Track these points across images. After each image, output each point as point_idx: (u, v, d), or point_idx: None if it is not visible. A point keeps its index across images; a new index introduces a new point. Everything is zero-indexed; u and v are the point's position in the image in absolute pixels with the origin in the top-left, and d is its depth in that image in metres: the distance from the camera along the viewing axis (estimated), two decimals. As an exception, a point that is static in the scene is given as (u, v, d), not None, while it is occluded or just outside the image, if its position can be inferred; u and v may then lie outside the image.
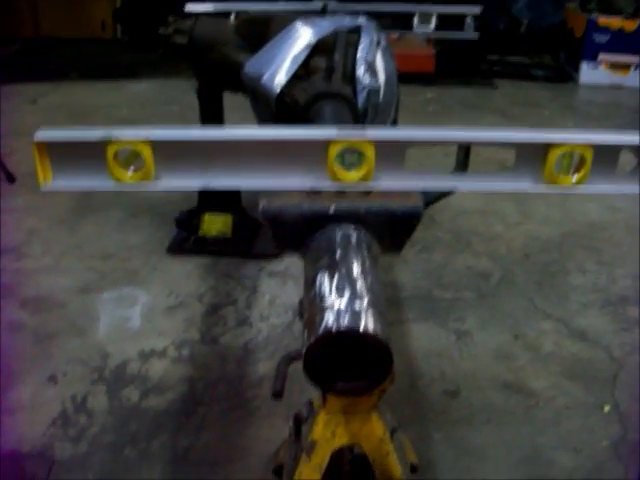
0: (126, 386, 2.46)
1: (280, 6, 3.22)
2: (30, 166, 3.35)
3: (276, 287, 3.00)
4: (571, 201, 3.84)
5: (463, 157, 1.46)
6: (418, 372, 2.52)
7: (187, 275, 3.08)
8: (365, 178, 1.40)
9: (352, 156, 1.43)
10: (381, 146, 1.38)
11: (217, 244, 3.19)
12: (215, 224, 3.19)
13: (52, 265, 3.17)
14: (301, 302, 1.49)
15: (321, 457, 1.58)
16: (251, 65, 2.70)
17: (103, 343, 2.67)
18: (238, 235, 3.20)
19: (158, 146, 1.76)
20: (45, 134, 1.82)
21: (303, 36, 2.69)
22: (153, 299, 2.92)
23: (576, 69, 6.25)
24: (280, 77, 2.60)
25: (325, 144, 1.40)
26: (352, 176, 1.41)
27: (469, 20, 3.32)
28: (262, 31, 2.86)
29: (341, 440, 1.56)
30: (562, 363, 2.61)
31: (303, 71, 2.64)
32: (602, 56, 6.14)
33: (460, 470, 2.15)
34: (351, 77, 2.63)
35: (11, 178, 3.88)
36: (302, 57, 2.63)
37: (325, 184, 1.44)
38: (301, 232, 1.64)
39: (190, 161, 1.79)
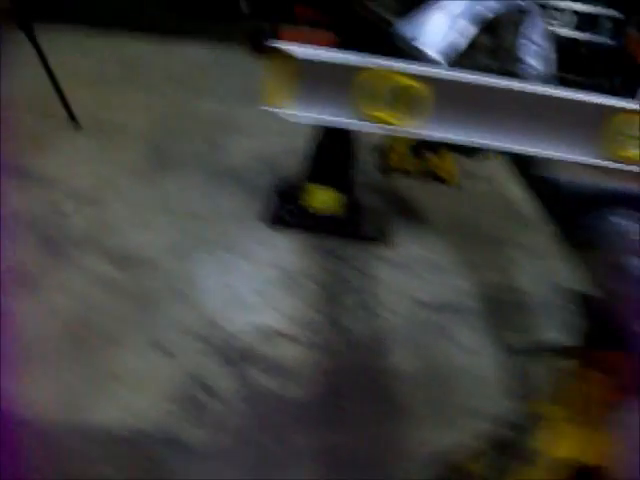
0: (256, 370, 2.15)
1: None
2: (89, 112, 2.96)
3: (391, 274, 2.72)
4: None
5: None
6: None
7: (291, 250, 2.78)
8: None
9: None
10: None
11: (324, 220, 2.89)
12: (324, 199, 2.88)
13: (138, 220, 2.82)
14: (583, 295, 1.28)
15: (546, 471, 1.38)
16: (406, 26, 2.45)
17: (216, 316, 2.35)
18: (346, 214, 2.91)
19: (434, 85, 1.50)
20: (301, 50, 1.53)
21: (472, 8, 2.46)
22: (258, 271, 2.61)
23: (632, 95, 6.13)
24: (443, 44, 2.36)
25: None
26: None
27: (607, 23, 3.12)
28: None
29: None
30: None
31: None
32: (661, 84, 6.03)
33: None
34: (517, 59, 2.42)
35: (76, 123, 3.50)
36: (471, 31, 2.40)
37: (602, 160, 1.25)
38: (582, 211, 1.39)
39: (463, 110, 1.52)
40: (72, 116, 3.49)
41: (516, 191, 3.59)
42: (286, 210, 2.92)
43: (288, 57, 1.46)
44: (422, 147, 3.55)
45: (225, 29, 5.69)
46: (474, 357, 2.33)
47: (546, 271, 2.92)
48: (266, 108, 1.45)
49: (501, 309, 2.62)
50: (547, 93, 1.47)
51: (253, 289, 2.50)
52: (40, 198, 2.88)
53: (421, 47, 2.36)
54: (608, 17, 3.23)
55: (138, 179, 3.12)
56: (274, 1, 6.19)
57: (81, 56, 4.45)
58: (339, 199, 2.90)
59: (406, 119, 1.44)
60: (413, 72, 1.42)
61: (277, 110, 1.47)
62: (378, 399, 2.11)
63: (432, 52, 2.33)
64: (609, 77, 6.55)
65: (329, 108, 1.46)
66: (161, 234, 2.75)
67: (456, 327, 2.46)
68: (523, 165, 1.69)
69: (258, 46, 5.21)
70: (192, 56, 5.00)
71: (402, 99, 1.42)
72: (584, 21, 3.35)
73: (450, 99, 1.45)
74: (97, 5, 5.60)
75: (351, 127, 1.53)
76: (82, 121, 3.51)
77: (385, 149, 3.60)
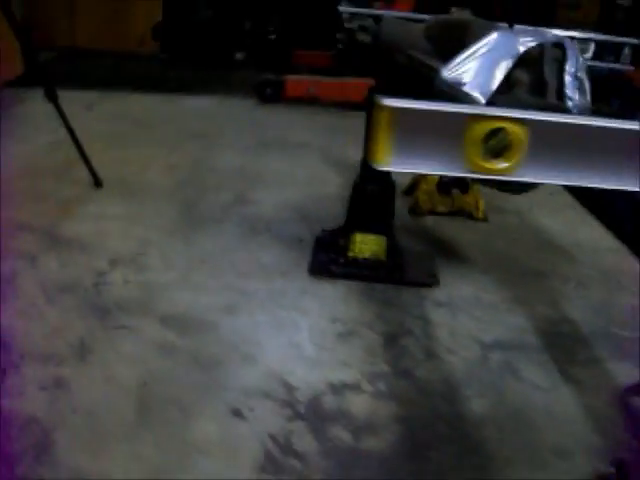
0: (331, 424, 2.09)
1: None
2: (109, 171, 3.02)
3: (448, 318, 2.68)
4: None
5: None
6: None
7: (343, 300, 2.74)
8: None
9: None
10: None
11: (370, 268, 2.86)
12: (368, 245, 2.86)
13: (181, 280, 2.78)
14: None
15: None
16: (449, 71, 2.47)
17: (281, 372, 2.29)
18: (391, 259, 2.89)
19: (533, 129, 1.50)
20: (395, 101, 1.53)
21: (509, 46, 2.49)
22: (317, 325, 2.57)
23: (632, 118, 6.19)
24: (488, 87, 2.39)
25: None
26: None
27: (627, 51, 3.19)
28: (457, 37, 2.64)
29: None
30: None
31: (504, 83, 2.44)
32: (657, 109, 6.12)
33: None
34: (561, 93, 2.44)
35: (98, 182, 3.47)
36: (507, 68, 2.42)
37: None
38: None
39: (561, 152, 1.52)
40: (95, 177, 3.47)
41: (545, 223, 3.60)
42: (331, 260, 2.89)
43: (392, 111, 1.45)
44: (449, 185, 3.56)
45: (224, 79, 5.76)
46: (548, 394, 2.29)
47: (595, 301, 2.92)
48: (377, 166, 1.43)
49: (561, 343, 2.59)
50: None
51: (314, 343, 2.46)
52: (78, 264, 2.83)
53: (467, 90, 2.37)
54: (627, 44, 3.30)
55: (174, 238, 3.09)
56: (271, 50, 6.25)
57: (92, 117, 4.44)
58: (383, 244, 2.88)
59: (511, 166, 1.43)
60: (528, 118, 1.41)
61: (386, 167, 1.45)
62: (461, 446, 2.05)
63: (478, 94, 2.35)
64: (607, 101, 6.63)
65: (437, 160, 1.45)
66: (209, 293, 2.71)
67: (522, 365, 2.42)
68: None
69: (263, 96, 5.24)
70: (198, 108, 5.03)
71: (507, 147, 1.41)
72: (603, 49, 3.41)
73: (547, 142, 1.44)
74: (99, 68, 5.65)
75: (460, 176, 1.52)
76: (105, 182, 3.49)
77: (413, 189, 3.60)
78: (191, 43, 6.09)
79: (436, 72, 2.49)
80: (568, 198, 3.73)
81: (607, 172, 1.44)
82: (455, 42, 2.59)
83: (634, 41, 3.16)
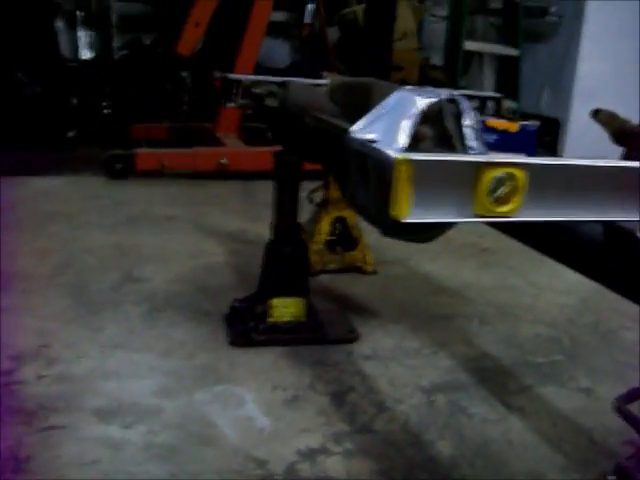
0: (317, 491, 2.04)
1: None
2: None
3: (382, 370, 2.72)
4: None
5: None
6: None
7: (274, 367, 2.68)
8: None
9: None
10: None
11: (293, 331, 2.83)
12: (288, 308, 2.84)
13: (100, 368, 2.57)
14: None
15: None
16: (360, 130, 2.57)
17: (246, 449, 2.19)
18: (310, 320, 2.88)
19: (533, 173, 1.61)
20: (412, 155, 1.58)
21: (411, 104, 2.65)
22: (260, 395, 2.49)
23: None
24: (398, 143, 2.53)
25: None
26: None
27: (489, 104, 3.49)
28: (360, 98, 2.75)
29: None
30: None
31: (411, 138, 2.59)
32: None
33: None
34: (464, 144, 2.63)
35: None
36: (412, 124, 2.58)
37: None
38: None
39: (554, 192, 1.65)
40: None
41: (429, 269, 3.80)
42: (251, 328, 2.82)
43: (411, 164, 1.50)
44: (336, 243, 3.64)
45: (61, 157, 5.50)
46: (500, 425, 2.39)
47: (502, 335, 3.11)
48: (399, 219, 1.46)
49: (491, 377, 2.73)
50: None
51: (265, 413, 2.38)
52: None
53: (380, 147, 2.47)
54: (490, 97, 3.62)
55: (75, 325, 2.87)
56: (106, 124, 6.06)
57: None
58: (302, 305, 2.87)
59: (515, 207, 1.52)
60: (532, 163, 1.51)
61: (409, 219, 1.48)
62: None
63: (392, 151, 2.45)
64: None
65: (450, 208, 1.50)
66: (136, 378, 2.54)
67: (467, 402, 2.51)
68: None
69: (113, 171, 5.06)
70: (46, 188, 4.81)
71: (511, 190, 1.51)
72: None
73: (545, 183, 1.55)
74: None
75: (474, 222, 1.59)
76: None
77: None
78: (16, 122, 5.76)
79: (346, 132, 2.57)
80: (438, 246, 3.94)
81: (601, 206, 1.57)
82: (360, 103, 2.68)
83: (496, 95, 3.49)
